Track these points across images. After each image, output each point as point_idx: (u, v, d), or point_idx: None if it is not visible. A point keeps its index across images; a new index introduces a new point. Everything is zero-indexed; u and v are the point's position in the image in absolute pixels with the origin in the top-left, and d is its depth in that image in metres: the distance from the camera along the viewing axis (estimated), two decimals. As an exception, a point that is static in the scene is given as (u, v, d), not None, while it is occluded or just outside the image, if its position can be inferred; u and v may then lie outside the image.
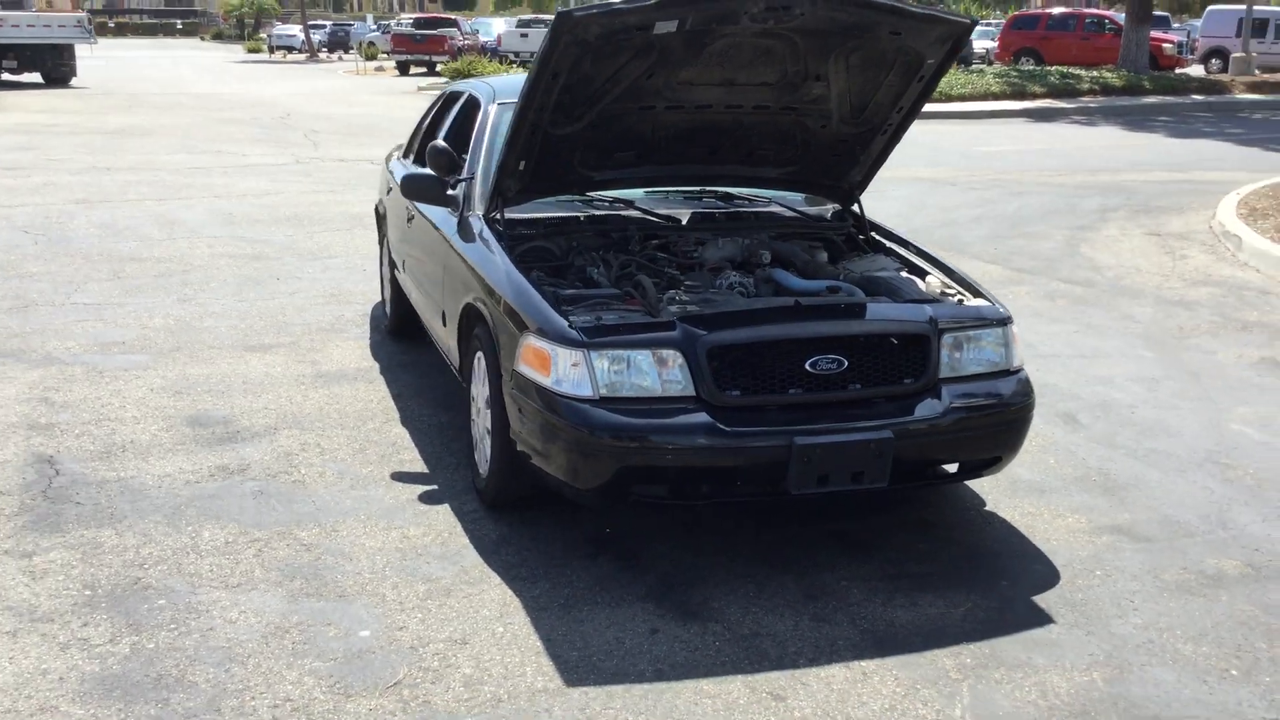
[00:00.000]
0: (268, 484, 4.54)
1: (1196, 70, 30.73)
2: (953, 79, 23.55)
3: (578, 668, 3.23)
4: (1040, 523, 4.21)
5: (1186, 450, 4.98)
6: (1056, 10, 34.74)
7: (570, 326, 3.71)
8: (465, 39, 35.33)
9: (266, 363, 6.14)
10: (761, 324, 3.78)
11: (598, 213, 4.79)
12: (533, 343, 3.77)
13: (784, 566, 3.85)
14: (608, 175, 4.71)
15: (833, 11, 3.94)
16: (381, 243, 6.88)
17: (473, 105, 5.62)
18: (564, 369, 3.65)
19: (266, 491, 4.48)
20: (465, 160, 4.99)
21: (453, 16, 40.33)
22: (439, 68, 32.07)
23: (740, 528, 4.14)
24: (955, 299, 4.17)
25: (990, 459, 3.93)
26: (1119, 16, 31.05)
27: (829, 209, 5.10)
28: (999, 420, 3.88)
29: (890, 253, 4.72)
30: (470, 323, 4.46)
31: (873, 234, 4.91)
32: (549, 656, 3.29)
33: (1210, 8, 33.97)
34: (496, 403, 4.02)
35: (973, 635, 3.41)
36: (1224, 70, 30.26)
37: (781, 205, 5.08)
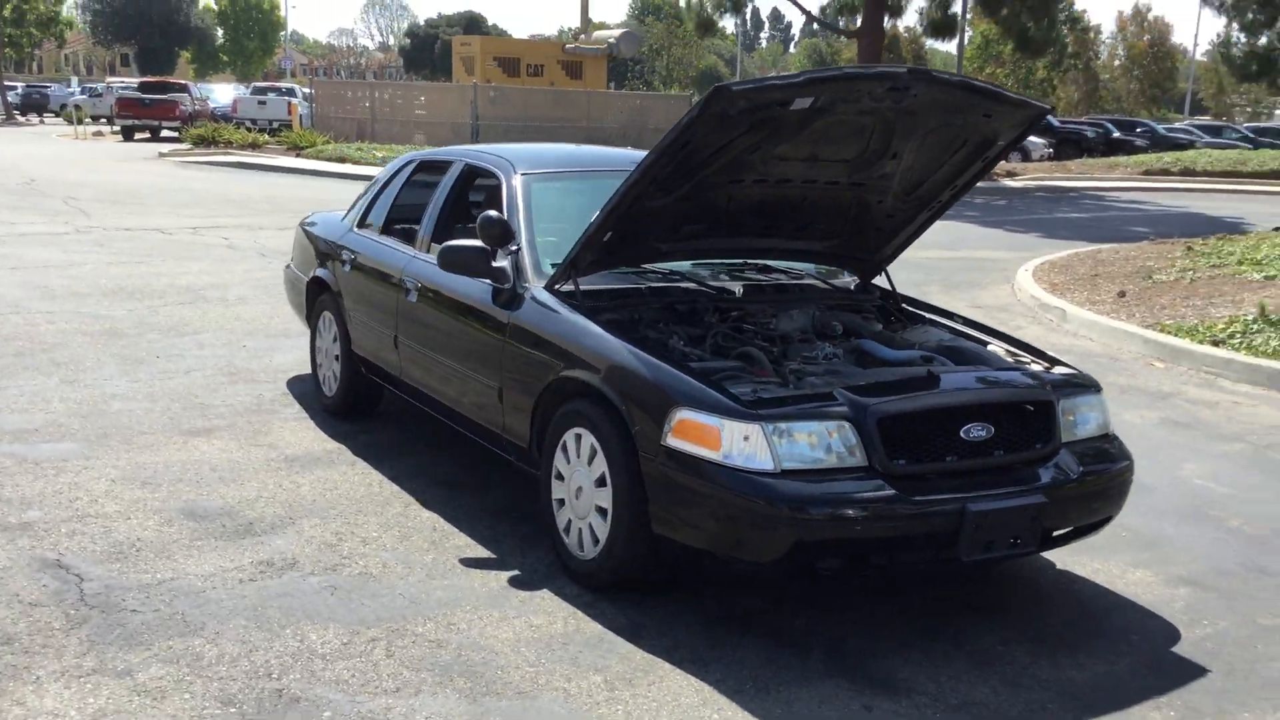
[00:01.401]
0: (334, 579, 4.20)
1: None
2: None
3: (829, 750, 3.15)
4: (1115, 579, 4.44)
5: (1173, 506, 5.37)
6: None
7: (738, 400, 3.66)
8: (196, 104, 33.82)
9: (219, 448, 5.67)
10: (923, 393, 3.85)
11: (656, 285, 4.73)
12: (692, 417, 3.69)
13: (930, 634, 3.90)
14: (673, 247, 4.68)
15: (943, 93, 4.10)
16: (316, 318, 6.47)
17: (482, 177, 5.46)
18: (735, 443, 3.59)
19: (339, 586, 4.14)
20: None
21: (182, 81, 38.48)
22: (165, 133, 30.60)
23: (852, 599, 4.15)
24: (1040, 367, 4.38)
25: (1104, 519, 4.13)
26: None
27: (851, 281, 5.24)
28: (1116, 481, 4.09)
29: (934, 323, 4.90)
30: (557, 400, 4.30)
31: (904, 305, 5.08)
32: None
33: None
34: (627, 480, 3.88)
35: (1154, 690, 3.55)
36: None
37: (812, 277, 5.18)
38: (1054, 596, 4.28)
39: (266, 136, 28.15)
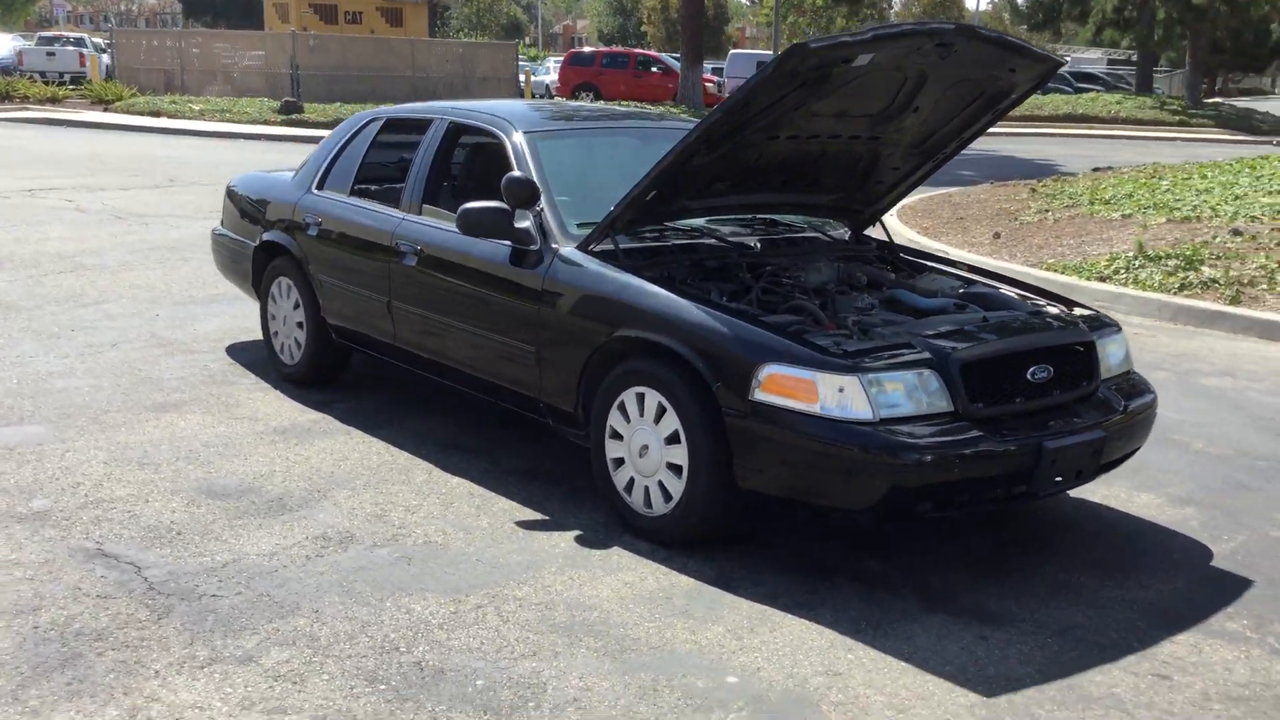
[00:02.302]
0: (401, 549, 4.14)
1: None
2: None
3: (973, 679, 3.33)
4: (1126, 504, 4.77)
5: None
6: (609, 50, 36.86)
7: (829, 352, 3.77)
8: (-26, 57, 31.45)
9: (198, 423, 5.46)
10: (996, 338, 4.04)
11: (680, 242, 4.78)
12: (783, 371, 3.78)
13: (998, 568, 4.13)
14: (700, 204, 4.74)
15: (981, 49, 4.26)
16: (267, 285, 6.23)
17: (471, 134, 5.38)
18: (831, 394, 3.70)
19: (411, 556, 4.09)
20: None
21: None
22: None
23: (913, 543, 4.34)
24: (1058, 308, 4.64)
25: (1132, 451, 4.42)
26: (664, 57, 33.55)
27: (844, 233, 5.40)
28: (1150, 413, 4.39)
29: (940, 271, 5.11)
30: (609, 360, 4.32)
31: (902, 254, 5.28)
32: (933, 674, 3.35)
33: (732, 51, 37.57)
34: (706, 436, 3.95)
35: (1218, 603, 3.87)
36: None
37: (813, 230, 5.31)
38: (1084, 524, 4.57)
39: (67, 89, 26.41)
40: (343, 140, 6.00)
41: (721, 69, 36.15)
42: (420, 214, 5.29)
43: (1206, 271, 8.91)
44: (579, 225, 4.70)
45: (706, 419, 3.97)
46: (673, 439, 4.09)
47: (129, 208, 12.33)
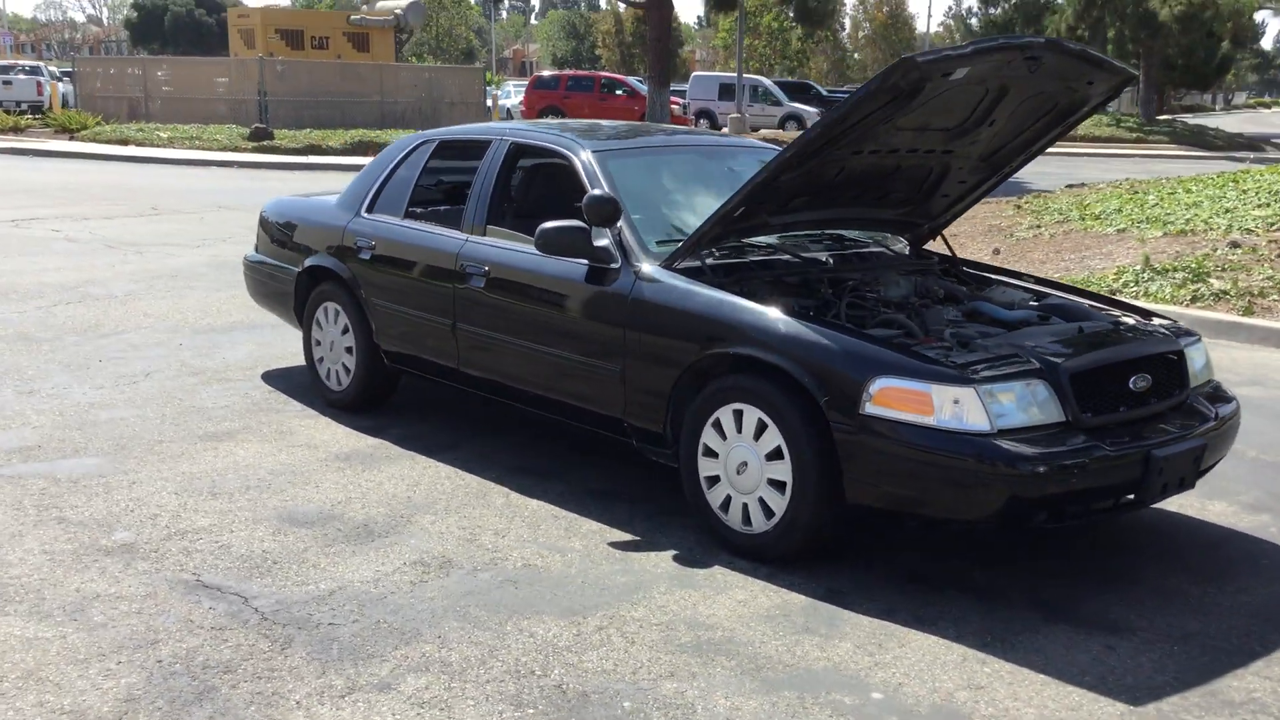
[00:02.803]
0: (503, 573, 4.11)
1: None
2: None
3: (1115, 689, 3.35)
4: (1202, 512, 4.81)
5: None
6: (573, 73, 36.96)
7: (943, 365, 3.80)
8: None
9: (256, 451, 5.40)
10: (1100, 349, 4.08)
11: (758, 258, 4.80)
12: (896, 384, 3.80)
13: (1101, 578, 4.16)
14: (779, 220, 4.75)
15: (1064, 62, 4.32)
16: (312, 311, 6.16)
17: (534, 155, 5.38)
18: (946, 406, 3.73)
19: (515, 580, 4.06)
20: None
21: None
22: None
23: (1001, 555, 4.36)
24: (1133, 319, 4.70)
25: (1220, 458, 4.48)
26: (629, 80, 33.69)
27: (904, 247, 5.44)
28: (1236, 420, 4.45)
29: (1004, 283, 5.16)
30: (701, 377, 4.32)
31: (964, 267, 5.33)
32: (1074, 685, 3.37)
33: (694, 74, 37.77)
34: (812, 451, 3.96)
35: (1321, 605, 3.93)
36: (714, 128, 33.79)
37: (876, 245, 5.34)
38: (1167, 532, 4.61)
39: (28, 119, 26.06)
40: (392, 163, 5.97)
41: (683, 91, 36.34)
42: (485, 235, 5.26)
43: (1215, 284, 9.06)
44: (657, 243, 4.70)
45: (813, 434, 3.97)
46: (774, 455, 4.09)
47: (119, 236, 12.19)
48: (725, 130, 31.44)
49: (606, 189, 4.82)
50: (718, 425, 4.28)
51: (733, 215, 4.39)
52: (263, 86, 24.23)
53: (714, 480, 4.34)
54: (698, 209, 5.16)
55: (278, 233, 6.58)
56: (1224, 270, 9.43)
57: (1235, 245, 10.32)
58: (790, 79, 42.49)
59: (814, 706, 3.23)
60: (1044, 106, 4.65)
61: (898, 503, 3.88)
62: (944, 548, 4.36)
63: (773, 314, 4.14)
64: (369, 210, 5.94)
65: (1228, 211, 11.80)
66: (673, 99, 29.51)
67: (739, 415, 4.21)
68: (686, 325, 4.35)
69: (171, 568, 4.08)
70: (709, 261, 4.55)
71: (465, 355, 5.30)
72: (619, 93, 33.05)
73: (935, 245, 5.55)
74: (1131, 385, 4.05)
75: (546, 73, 38.67)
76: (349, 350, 5.99)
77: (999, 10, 43.36)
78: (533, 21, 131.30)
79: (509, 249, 5.11)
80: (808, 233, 5.12)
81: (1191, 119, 46.10)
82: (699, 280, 4.43)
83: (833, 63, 61.03)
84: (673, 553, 4.31)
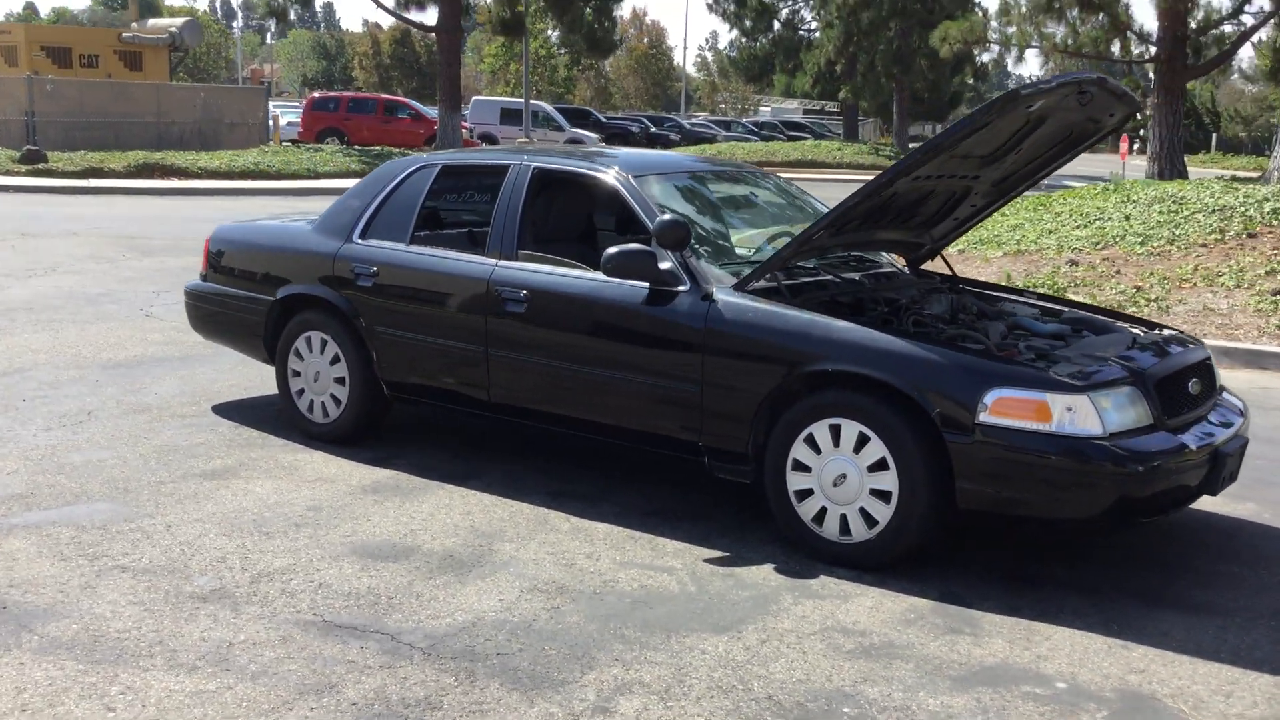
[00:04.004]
0: (625, 594, 4.12)
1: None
2: (316, 159, 23.80)
3: (1258, 662, 3.69)
4: (1234, 511, 5.18)
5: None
6: (353, 95, 36.13)
7: (1054, 375, 4.09)
8: None
9: (275, 489, 5.19)
10: (1168, 357, 4.46)
11: (807, 280, 4.99)
12: (1012, 394, 4.06)
13: (1167, 568, 4.55)
14: (828, 242, 4.96)
15: (1107, 97, 4.70)
16: (290, 341, 5.94)
17: (571, 179, 5.40)
18: (1062, 413, 4.02)
19: (646, 600, 4.09)
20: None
21: None
22: None
23: (1075, 551, 4.69)
24: (1142, 330, 5.14)
25: (1243, 453, 4.94)
26: (412, 102, 33.29)
27: (903, 266, 5.75)
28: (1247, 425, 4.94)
29: (1010, 299, 5.53)
30: (789, 396, 4.47)
31: (962, 285, 5.68)
32: (1221, 662, 3.69)
33: (475, 98, 37.66)
34: (920, 461, 4.18)
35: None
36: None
37: (890, 265, 5.63)
38: (1208, 528, 5.02)
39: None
40: (385, 189, 5.83)
41: (463, 115, 36.16)
42: (516, 260, 5.23)
43: (1074, 298, 9.84)
44: (720, 265, 4.83)
45: (922, 444, 4.18)
46: (878, 466, 4.28)
47: (-64, 268, 11.24)
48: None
49: (657, 213, 4.89)
50: (810, 440, 4.42)
51: (813, 239, 4.55)
52: (31, 106, 22.65)
53: (804, 494, 4.47)
54: (730, 231, 5.31)
55: (236, 260, 6.30)
56: (1078, 286, 10.25)
57: (1074, 263, 11.24)
58: (570, 105, 43.00)
59: (1016, 699, 3.42)
60: (1062, 134, 5.03)
61: (1010, 506, 4.12)
62: (1016, 548, 4.64)
63: (871, 332, 4.33)
64: (363, 236, 5.77)
65: (1051, 233, 12.80)
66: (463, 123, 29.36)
67: (835, 430, 4.37)
68: (776, 345, 4.48)
69: (285, 610, 3.90)
70: (785, 283, 4.70)
71: (498, 383, 5.24)
72: (403, 115, 32.59)
73: (934, 265, 5.87)
74: (1190, 388, 4.45)
75: (322, 94, 37.63)
76: (339, 381, 5.80)
77: (759, 44, 45.22)
78: (269, 40, 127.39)
79: (550, 274, 5.10)
80: (828, 256, 5.33)
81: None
82: (777, 301, 4.57)
83: (596, 90, 62.14)
84: (770, 565, 4.43)
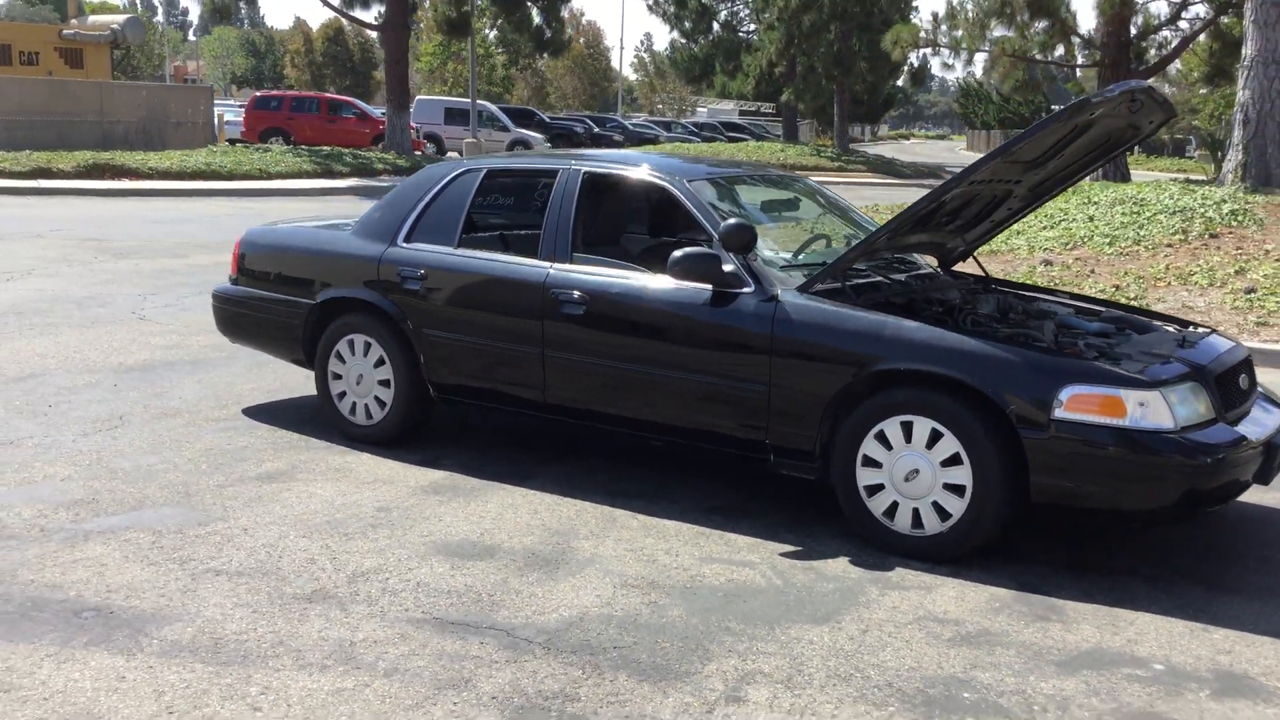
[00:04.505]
0: (715, 589, 4.23)
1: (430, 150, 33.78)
2: (267, 159, 23.59)
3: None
4: (1265, 499, 5.46)
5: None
6: (296, 94, 35.72)
7: (1128, 371, 4.28)
8: None
9: (336, 491, 5.23)
10: (1224, 353, 4.68)
11: (861, 281, 5.14)
12: (1088, 391, 4.24)
13: (1215, 555, 4.76)
14: (882, 245, 5.11)
15: (1153, 104, 4.91)
16: (331, 344, 5.98)
17: (624, 185, 5.49)
18: (1135, 409, 4.21)
19: (738, 594, 4.20)
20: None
21: None
22: None
23: (1129, 542, 4.91)
24: (1174, 326, 5.36)
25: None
26: (357, 102, 33.03)
27: (934, 268, 5.94)
28: (1279, 417, 5.17)
29: (1043, 299, 5.74)
30: (857, 394, 4.61)
31: (994, 284, 5.88)
32: (1294, 641, 3.91)
33: (419, 97, 37.43)
34: (995, 456, 4.34)
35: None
36: (440, 153, 33.68)
37: (927, 266, 5.80)
38: (1242, 518, 5.25)
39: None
40: (430, 193, 5.88)
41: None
42: (570, 263, 5.32)
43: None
44: (782, 268, 4.96)
45: (996, 440, 4.34)
46: (951, 461, 4.43)
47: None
48: (462, 155, 31.42)
49: (717, 217, 5.02)
50: (881, 437, 4.57)
51: (876, 243, 4.70)
52: (-31, 104, 22.17)
53: (874, 489, 4.62)
54: (779, 233, 5.44)
55: (270, 264, 6.31)
56: (1057, 286, 10.54)
57: (1048, 263, 11.55)
58: (512, 105, 42.92)
59: (1122, 681, 3.59)
60: (1099, 140, 5.23)
61: (1082, 499, 4.30)
62: (1066, 538, 4.84)
63: (946, 332, 4.49)
64: (408, 240, 5.82)
65: (1019, 233, 13.13)
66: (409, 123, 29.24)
67: (907, 426, 4.52)
68: (846, 344, 4.62)
69: (393, 609, 3.96)
70: (850, 284, 4.84)
71: (554, 384, 5.32)
72: (348, 114, 32.32)
73: (964, 266, 6.06)
74: (1240, 383, 4.67)
75: (261, 93, 37.16)
76: (384, 384, 5.84)
77: (699, 45, 45.52)
78: (191, 37, 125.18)
79: (608, 276, 5.20)
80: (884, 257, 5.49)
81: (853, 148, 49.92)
82: (843, 302, 4.71)
83: (533, 90, 62.07)
84: (845, 559, 4.57)
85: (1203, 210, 12.76)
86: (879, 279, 5.23)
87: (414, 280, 5.69)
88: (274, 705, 3.28)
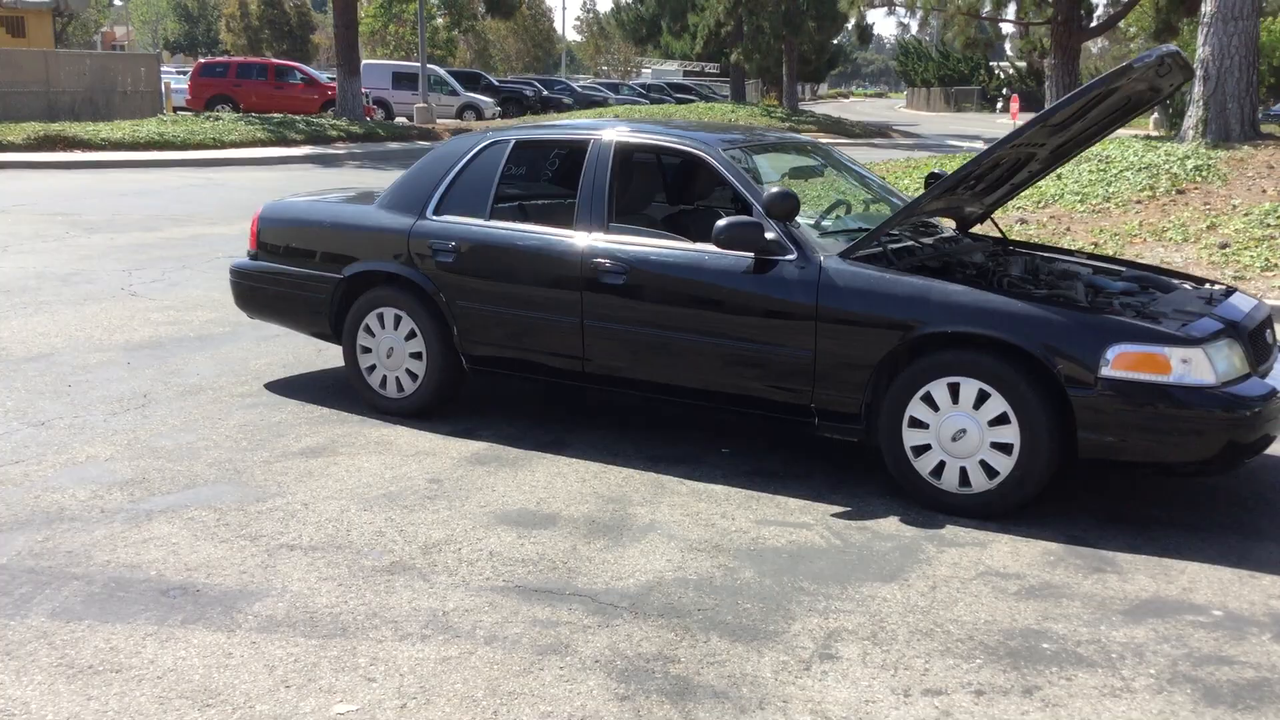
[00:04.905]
0: (781, 551, 4.35)
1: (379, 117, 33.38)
2: (220, 128, 23.28)
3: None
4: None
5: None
6: (242, 59, 35.10)
7: (1170, 330, 4.45)
8: None
9: (382, 464, 5.28)
10: (1254, 311, 4.86)
11: (896, 246, 5.26)
12: (1134, 349, 4.40)
13: (1247, 509, 4.97)
14: (921, 211, 5.23)
15: (1178, 68, 5.05)
16: (360, 317, 6.01)
17: (659, 154, 5.55)
18: (1179, 365, 4.38)
19: (804, 554, 4.33)
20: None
21: None
22: None
23: (1166, 495, 5.10)
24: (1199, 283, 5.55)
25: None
26: (305, 67, 32.55)
27: (953, 230, 6.08)
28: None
29: (1061, 260, 5.89)
30: (902, 357, 4.74)
31: (1011, 245, 6.03)
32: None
33: (364, 62, 36.91)
34: (1044, 414, 4.50)
35: None
36: (389, 118, 33.29)
37: (950, 229, 5.94)
38: (1256, 470, 5.46)
39: None
40: (457, 165, 5.90)
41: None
42: (607, 233, 5.38)
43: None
44: (822, 234, 5.07)
45: (1043, 399, 4.50)
46: (999, 420, 4.58)
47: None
48: (413, 120, 31.12)
49: (757, 185, 5.11)
50: (928, 398, 4.71)
51: (920, 208, 4.81)
52: (-87, 75, 21.62)
53: (921, 449, 4.76)
54: (809, 199, 5.54)
55: (292, 239, 6.31)
56: (1037, 243, 10.75)
57: (1024, 222, 11.77)
58: (460, 69, 42.48)
59: (1186, 627, 3.77)
60: (1120, 103, 5.37)
61: (1128, 453, 4.47)
62: (1108, 494, 5.02)
63: (990, 294, 4.62)
64: (437, 212, 5.85)
65: (992, 193, 13.31)
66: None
67: (954, 388, 4.66)
68: (892, 309, 4.74)
69: (475, 578, 4.04)
70: (891, 249, 4.95)
71: (595, 353, 5.39)
72: (295, 80, 31.86)
73: (981, 228, 6.20)
74: (1268, 339, 4.86)
75: (207, 59, 36.52)
76: (415, 356, 5.89)
77: (645, 5, 45.31)
78: (117, 2, 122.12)
79: (648, 246, 5.27)
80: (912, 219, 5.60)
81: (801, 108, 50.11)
82: (885, 267, 4.83)
83: (476, 52, 61.47)
84: (895, 518, 4.71)
85: (1167, 166, 13.03)
86: (911, 243, 5.34)
87: (446, 253, 5.72)
88: (387, 676, 3.36)
